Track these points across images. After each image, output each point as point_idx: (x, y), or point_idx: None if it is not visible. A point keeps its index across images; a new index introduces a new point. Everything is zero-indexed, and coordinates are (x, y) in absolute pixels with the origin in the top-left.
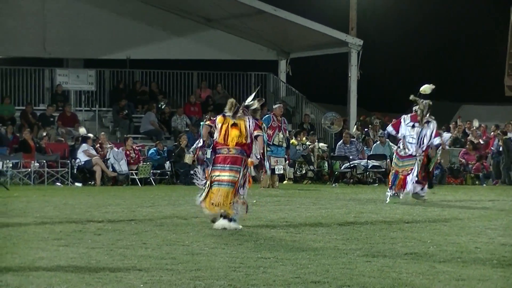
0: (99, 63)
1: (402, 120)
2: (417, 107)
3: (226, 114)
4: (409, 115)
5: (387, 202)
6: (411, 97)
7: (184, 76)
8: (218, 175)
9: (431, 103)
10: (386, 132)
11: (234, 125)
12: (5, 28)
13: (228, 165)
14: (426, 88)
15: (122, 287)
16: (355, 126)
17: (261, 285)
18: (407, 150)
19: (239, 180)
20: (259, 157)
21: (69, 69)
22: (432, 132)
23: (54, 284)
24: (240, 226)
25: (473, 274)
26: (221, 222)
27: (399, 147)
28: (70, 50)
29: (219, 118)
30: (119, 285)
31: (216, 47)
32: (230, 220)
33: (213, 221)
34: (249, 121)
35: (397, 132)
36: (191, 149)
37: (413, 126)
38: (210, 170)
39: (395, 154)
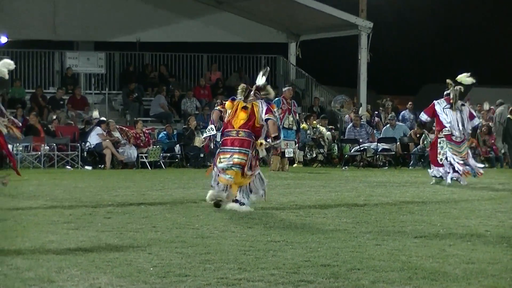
0: (109, 46)
1: (436, 105)
2: (449, 91)
3: (237, 98)
4: (443, 99)
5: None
6: (448, 80)
7: (194, 59)
8: (224, 158)
9: (462, 89)
10: (419, 120)
11: (244, 108)
12: (15, 11)
13: (236, 148)
14: (463, 78)
15: (132, 270)
16: (366, 109)
17: (270, 268)
18: (456, 134)
19: (247, 162)
20: (269, 140)
21: (79, 52)
22: (467, 115)
23: (64, 267)
24: (252, 209)
25: (483, 257)
26: (231, 205)
27: (448, 131)
28: (80, 33)
29: (227, 103)
30: (129, 268)
31: (226, 30)
32: (241, 204)
33: (216, 205)
34: (261, 105)
35: (432, 117)
36: (203, 136)
37: (450, 109)
38: (218, 153)
39: (445, 139)
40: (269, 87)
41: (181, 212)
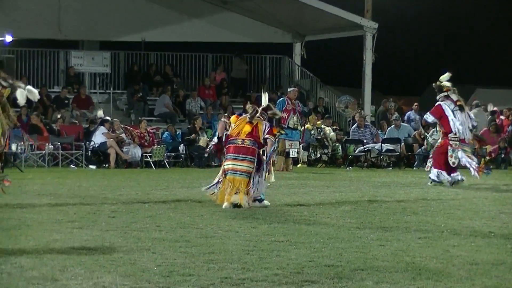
0: (114, 45)
1: (444, 106)
2: (450, 92)
3: (243, 115)
4: (449, 101)
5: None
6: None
7: (199, 59)
8: (232, 164)
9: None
10: (425, 121)
11: (249, 122)
12: (20, 10)
13: (241, 155)
14: (444, 78)
15: (136, 270)
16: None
17: (274, 269)
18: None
19: (253, 170)
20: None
21: (84, 51)
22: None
23: (68, 266)
24: (269, 203)
25: (487, 258)
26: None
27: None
28: (85, 32)
29: (233, 118)
30: (133, 267)
31: (231, 30)
32: (260, 201)
33: (237, 206)
34: (265, 125)
35: (438, 118)
36: (210, 146)
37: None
38: (225, 160)
39: (459, 143)
40: (276, 110)
41: (185, 211)
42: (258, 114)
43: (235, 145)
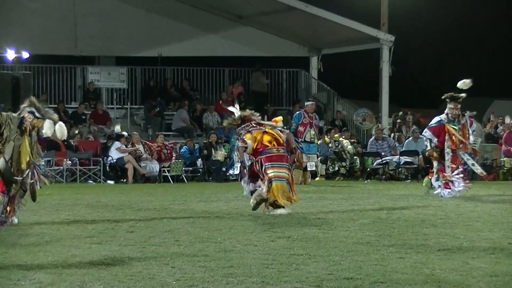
0: (130, 61)
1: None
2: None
3: (252, 129)
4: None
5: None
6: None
7: (216, 73)
8: (276, 172)
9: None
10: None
11: (265, 132)
12: (37, 26)
13: (281, 163)
14: (462, 84)
15: (155, 284)
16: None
17: (294, 282)
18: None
19: (291, 177)
20: None
21: (100, 67)
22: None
23: (87, 281)
24: (290, 210)
25: (506, 270)
26: (280, 211)
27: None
28: (102, 48)
29: (247, 136)
30: (152, 282)
31: (247, 44)
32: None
33: (254, 208)
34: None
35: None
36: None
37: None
38: (264, 168)
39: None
40: (247, 111)
41: (204, 226)
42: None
43: (273, 154)
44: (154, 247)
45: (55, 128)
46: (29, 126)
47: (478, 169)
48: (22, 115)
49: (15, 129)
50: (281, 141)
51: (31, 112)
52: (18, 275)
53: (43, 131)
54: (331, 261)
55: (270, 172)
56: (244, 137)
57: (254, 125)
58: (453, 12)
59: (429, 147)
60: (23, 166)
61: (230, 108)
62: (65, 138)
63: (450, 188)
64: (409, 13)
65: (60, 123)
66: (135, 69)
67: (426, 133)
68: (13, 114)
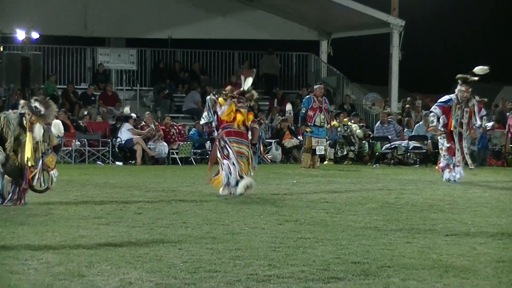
0: (140, 43)
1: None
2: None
3: (229, 99)
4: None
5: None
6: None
7: (225, 56)
8: (238, 148)
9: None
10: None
11: (238, 111)
12: (47, 7)
13: (241, 139)
14: (479, 69)
15: (162, 266)
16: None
17: (301, 265)
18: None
19: (250, 154)
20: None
21: (110, 48)
22: None
23: (94, 262)
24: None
25: None
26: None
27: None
28: (112, 29)
29: (220, 99)
30: (159, 263)
31: (257, 27)
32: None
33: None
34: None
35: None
36: (201, 122)
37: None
38: (226, 142)
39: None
40: (253, 91)
41: (212, 208)
42: (239, 102)
43: (234, 129)
44: (161, 228)
45: (50, 129)
46: (28, 123)
47: (469, 160)
48: (22, 112)
49: (17, 127)
50: (247, 125)
51: (29, 108)
52: (25, 255)
53: (33, 135)
54: (338, 245)
55: (234, 146)
56: (224, 99)
57: (241, 102)
58: None
59: (435, 123)
60: (30, 163)
61: (246, 80)
62: (62, 135)
63: (450, 171)
64: None
65: (55, 121)
66: (145, 51)
67: (436, 109)
68: (11, 113)
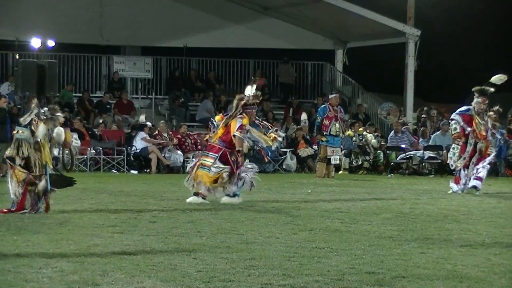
0: (156, 51)
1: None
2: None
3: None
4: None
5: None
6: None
7: (240, 65)
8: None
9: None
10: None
11: (225, 125)
12: (63, 14)
13: (207, 152)
14: (497, 79)
15: (177, 275)
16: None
17: (315, 275)
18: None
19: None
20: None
21: (126, 57)
22: None
23: (108, 270)
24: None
25: None
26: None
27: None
28: (127, 37)
29: (217, 117)
30: (173, 272)
31: (273, 36)
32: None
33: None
34: (237, 122)
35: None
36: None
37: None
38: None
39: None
40: (257, 92)
41: (226, 217)
42: (239, 113)
43: (210, 143)
44: (176, 237)
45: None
46: (35, 128)
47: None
48: (31, 118)
49: (31, 139)
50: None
51: (37, 114)
52: (40, 263)
53: (36, 134)
54: (353, 255)
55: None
56: (242, 120)
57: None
58: (479, 6)
59: (458, 129)
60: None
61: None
62: (61, 143)
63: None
64: (436, 7)
65: (59, 128)
66: (160, 59)
67: (456, 116)
68: (20, 133)
